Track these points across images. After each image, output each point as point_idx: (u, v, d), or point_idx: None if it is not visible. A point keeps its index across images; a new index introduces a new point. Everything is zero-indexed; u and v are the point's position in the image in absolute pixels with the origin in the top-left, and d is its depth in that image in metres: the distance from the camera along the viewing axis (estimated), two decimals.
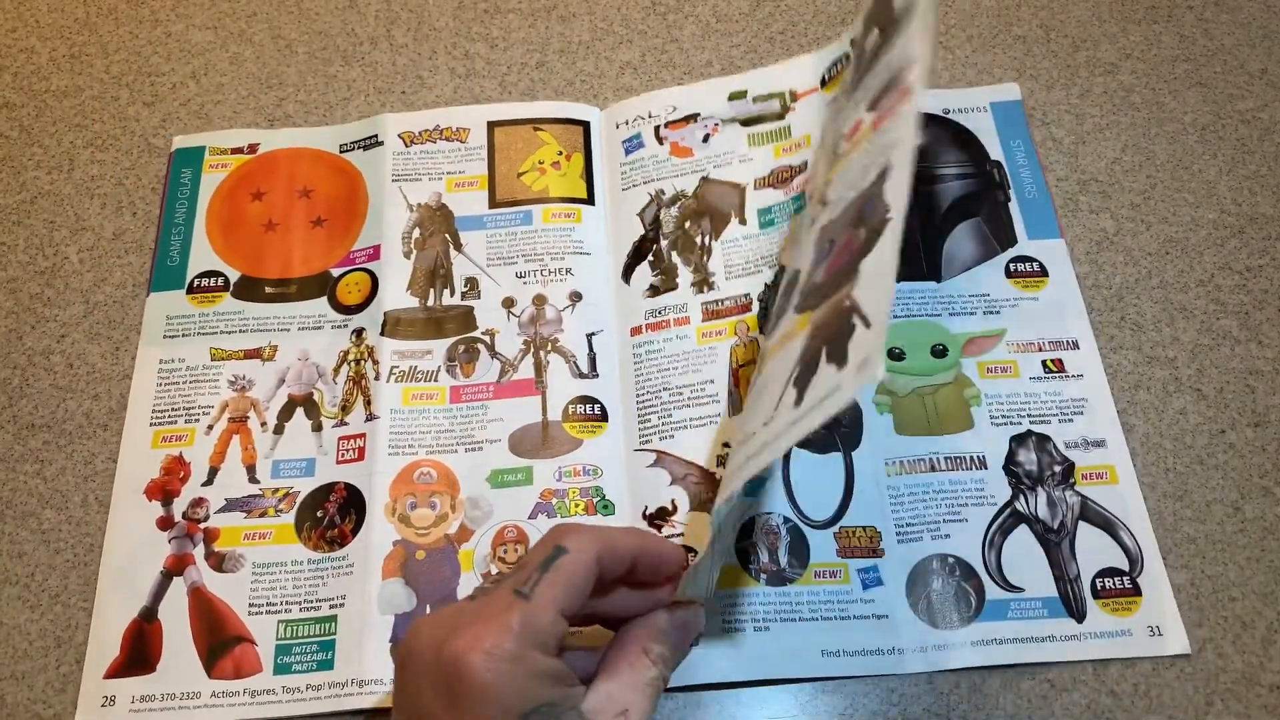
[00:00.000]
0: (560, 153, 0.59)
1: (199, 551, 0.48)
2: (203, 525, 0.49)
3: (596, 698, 0.35)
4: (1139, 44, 0.63)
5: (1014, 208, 0.57)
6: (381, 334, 0.54)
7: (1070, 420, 0.50)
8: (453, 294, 0.55)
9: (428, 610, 0.46)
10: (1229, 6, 0.64)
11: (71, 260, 0.57)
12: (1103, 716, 0.44)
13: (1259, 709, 0.44)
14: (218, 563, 0.48)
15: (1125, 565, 0.47)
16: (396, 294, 0.55)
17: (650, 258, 0.55)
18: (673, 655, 0.38)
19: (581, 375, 0.52)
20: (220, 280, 0.56)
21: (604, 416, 0.51)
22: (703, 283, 0.54)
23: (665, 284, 0.54)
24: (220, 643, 0.46)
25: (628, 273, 0.55)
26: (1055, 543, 0.48)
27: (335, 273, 0.56)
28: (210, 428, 0.52)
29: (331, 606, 0.47)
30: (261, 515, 0.49)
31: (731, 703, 0.45)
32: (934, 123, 0.59)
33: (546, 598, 0.34)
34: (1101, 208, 0.57)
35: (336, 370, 0.53)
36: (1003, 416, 0.51)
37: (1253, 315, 0.54)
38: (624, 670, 0.36)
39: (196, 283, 0.56)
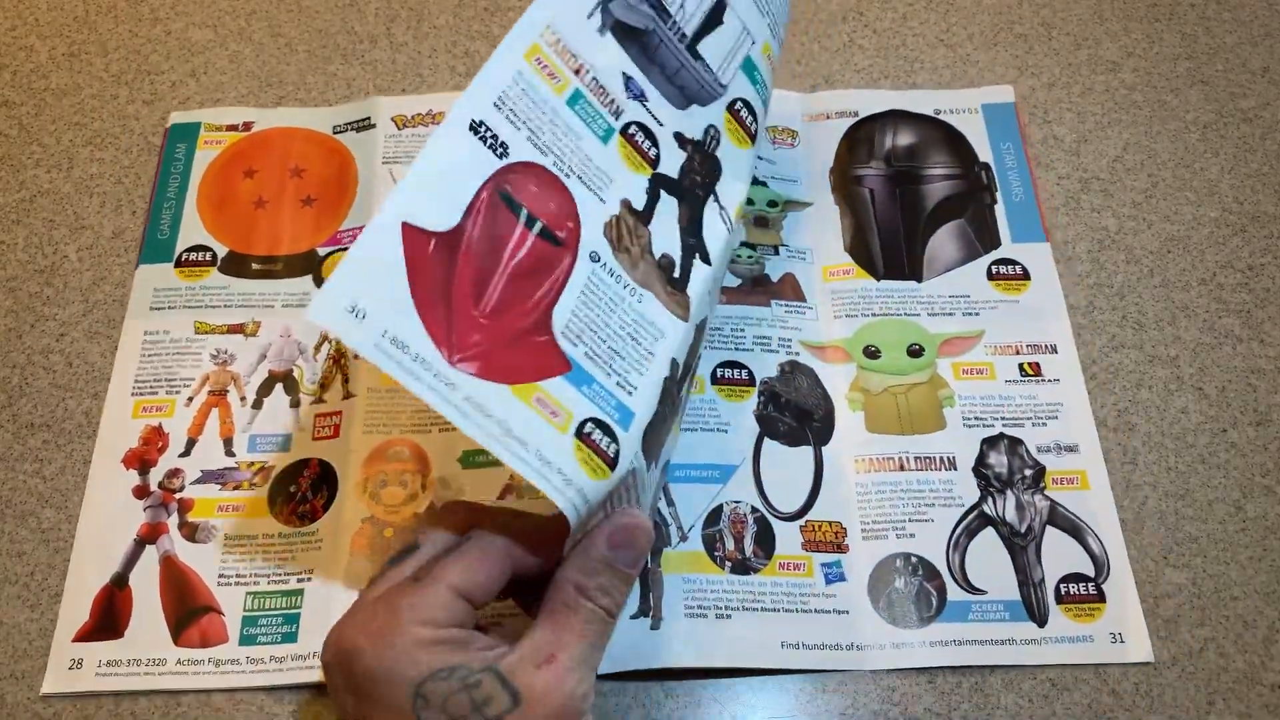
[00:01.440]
0: None
1: (172, 521, 0.49)
2: (178, 495, 0.50)
3: (521, 650, 0.34)
4: (1140, 42, 0.63)
5: (999, 210, 0.57)
6: None
7: (1044, 424, 0.50)
8: None
9: None
10: (1230, 5, 0.64)
11: (71, 259, 0.57)
12: (1104, 716, 0.44)
13: (1260, 708, 0.44)
14: (190, 533, 0.49)
15: (1091, 571, 0.47)
16: None
17: None
18: (618, 581, 0.36)
19: None
20: (208, 255, 0.56)
21: None
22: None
23: None
24: (188, 612, 0.47)
25: None
26: (1021, 546, 0.47)
27: (322, 252, 0.56)
28: (190, 400, 0.52)
29: (299, 580, 0.47)
30: (235, 488, 0.50)
31: (731, 701, 0.45)
32: (924, 123, 0.59)
33: (440, 579, 0.34)
34: (1103, 206, 0.57)
35: (317, 348, 0.54)
36: (975, 418, 0.51)
37: (1255, 314, 0.53)
38: (557, 614, 0.35)
39: (185, 257, 0.56)
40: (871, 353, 0.52)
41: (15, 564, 0.48)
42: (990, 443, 0.50)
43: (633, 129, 0.43)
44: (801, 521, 0.48)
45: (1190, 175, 0.58)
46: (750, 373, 0.51)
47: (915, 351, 0.52)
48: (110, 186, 0.59)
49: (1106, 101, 0.60)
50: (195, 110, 0.61)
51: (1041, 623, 0.46)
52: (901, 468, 0.49)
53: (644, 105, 0.43)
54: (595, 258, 0.41)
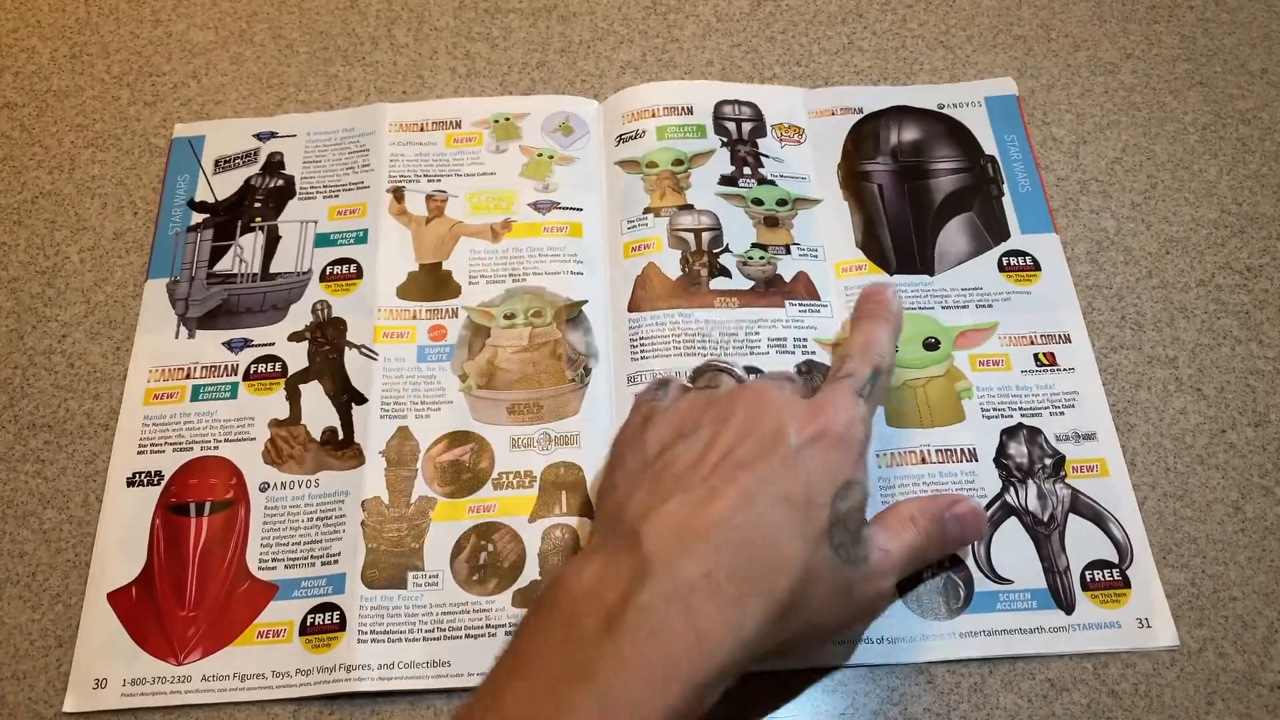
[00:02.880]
0: None
1: None
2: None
3: (871, 532, 0.40)
4: (1139, 43, 0.63)
5: (1007, 202, 0.57)
6: None
7: (1061, 413, 0.50)
8: None
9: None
10: (1229, 6, 0.64)
11: (72, 260, 0.57)
12: (1103, 716, 0.44)
13: (1260, 709, 0.44)
14: None
15: (1115, 558, 0.47)
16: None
17: None
18: (933, 530, 0.43)
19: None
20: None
21: None
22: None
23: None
24: None
25: None
26: (1045, 535, 0.48)
27: None
28: None
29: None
30: None
31: (730, 701, 0.45)
32: (928, 117, 0.60)
33: (870, 410, 0.42)
34: (1102, 208, 0.57)
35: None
36: (994, 409, 0.51)
37: (1253, 315, 0.54)
38: (890, 524, 0.42)
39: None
40: None
41: (17, 564, 0.49)
42: (1010, 433, 0.50)
43: (252, 367, 0.52)
44: None
45: (1189, 176, 0.58)
46: None
47: (931, 345, 0.52)
48: (112, 188, 0.59)
49: (1105, 103, 0.60)
50: (199, 122, 0.61)
51: (1069, 610, 0.46)
52: (923, 461, 0.49)
53: (250, 346, 0.53)
54: (264, 487, 0.49)
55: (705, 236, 0.55)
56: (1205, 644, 0.45)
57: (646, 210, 0.56)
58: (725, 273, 0.54)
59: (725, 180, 0.57)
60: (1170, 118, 0.60)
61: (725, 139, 0.59)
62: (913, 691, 0.45)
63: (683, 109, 0.59)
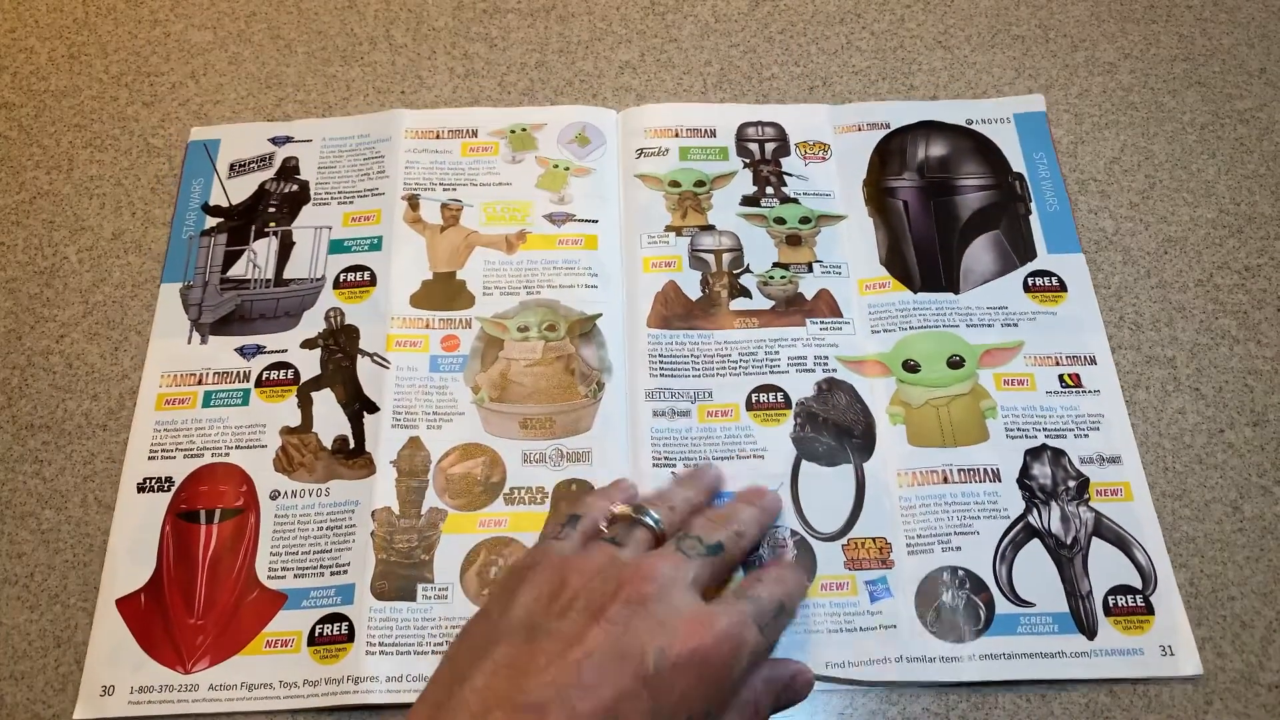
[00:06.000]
0: None
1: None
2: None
3: None
4: (1138, 44, 0.63)
5: (1034, 221, 0.56)
6: None
7: (1086, 436, 0.50)
8: None
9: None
10: (1227, 6, 0.64)
11: (71, 260, 0.57)
12: (1101, 715, 0.44)
13: (1258, 708, 0.44)
14: None
15: (1139, 583, 0.46)
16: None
17: None
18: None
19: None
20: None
21: None
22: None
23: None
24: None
25: None
26: (1068, 558, 0.47)
27: None
28: None
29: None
30: None
31: None
32: (956, 133, 0.59)
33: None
34: (1100, 207, 0.57)
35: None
36: (1018, 429, 0.50)
37: (1251, 314, 0.54)
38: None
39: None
40: (911, 366, 0.52)
41: (15, 564, 0.48)
42: (1033, 454, 0.49)
43: (264, 374, 0.52)
44: (843, 540, 0.47)
45: (1187, 176, 0.58)
46: (785, 395, 0.51)
47: (956, 363, 0.52)
48: (110, 188, 0.59)
49: (1104, 103, 0.60)
50: (215, 126, 0.61)
51: (1091, 635, 0.45)
52: (945, 480, 0.49)
53: (263, 352, 0.53)
54: (275, 495, 0.49)
55: (726, 257, 0.55)
56: (1204, 644, 0.45)
57: (668, 228, 0.56)
58: (746, 293, 0.54)
59: (747, 200, 0.57)
60: (1168, 117, 0.60)
61: (747, 160, 0.58)
62: (911, 691, 0.45)
63: (706, 131, 0.59)
